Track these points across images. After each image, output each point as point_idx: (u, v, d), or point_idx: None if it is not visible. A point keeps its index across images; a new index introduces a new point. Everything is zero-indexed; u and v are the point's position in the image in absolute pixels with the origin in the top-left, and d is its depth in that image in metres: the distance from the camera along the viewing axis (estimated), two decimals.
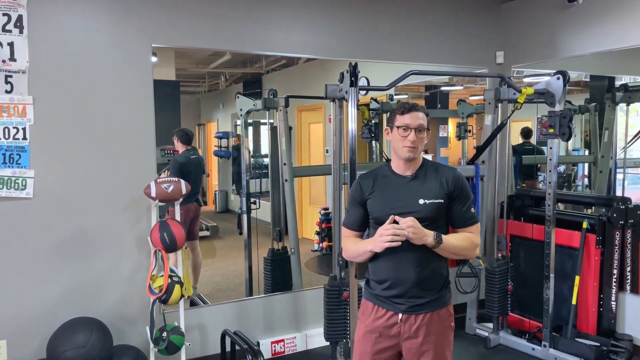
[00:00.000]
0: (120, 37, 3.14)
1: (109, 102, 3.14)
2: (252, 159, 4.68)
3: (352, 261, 3.15)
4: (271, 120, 4.24)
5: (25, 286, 2.99)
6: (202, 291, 4.09)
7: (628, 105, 4.37)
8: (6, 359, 2.95)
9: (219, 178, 5.49)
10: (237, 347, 3.30)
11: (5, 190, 2.90)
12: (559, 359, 3.48)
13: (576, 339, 3.54)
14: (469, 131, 4.95)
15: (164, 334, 2.94)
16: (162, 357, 3.01)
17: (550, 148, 3.51)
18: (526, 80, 4.62)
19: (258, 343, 3.62)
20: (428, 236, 1.93)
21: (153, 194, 2.96)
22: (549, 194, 3.55)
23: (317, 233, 5.16)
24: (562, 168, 5.09)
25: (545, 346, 3.57)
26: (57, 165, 3.03)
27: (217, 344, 3.44)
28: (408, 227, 1.90)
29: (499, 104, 3.84)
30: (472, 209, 2.10)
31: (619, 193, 4.47)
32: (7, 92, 2.87)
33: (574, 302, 3.61)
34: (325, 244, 5.04)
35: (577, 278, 3.62)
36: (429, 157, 1.87)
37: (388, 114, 2.15)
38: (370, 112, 4.36)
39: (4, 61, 2.84)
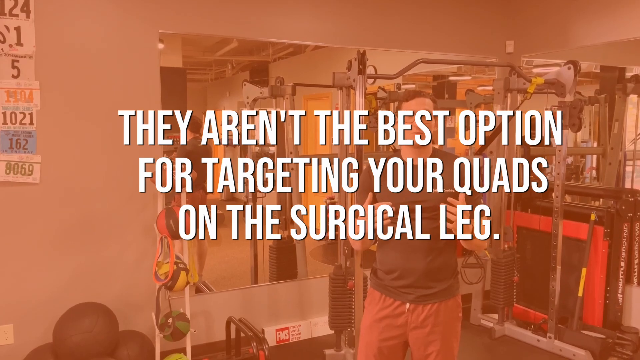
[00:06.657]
0: (127, 22, 3.13)
1: (115, 88, 3.13)
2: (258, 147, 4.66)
3: (357, 250, 3.16)
4: (278, 109, 4.21)
5: (32, 271, 3.01)
6: (207, 278, 4.09)
7: (639, 96, 4.31)
8: (13, 342, 2.97)
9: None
10: (242, 334, 3.32)
11: (12, 176, 2.90)
12: (564, 351, 3.47)
13: (582, 331, 3.53)
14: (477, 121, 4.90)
15: (170, 320, 2.94)
16: (167, 343, 3.02)
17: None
18: (535, 70, 4.56)
19: (263, 330, 3.64)
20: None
21: None
22: (557, 186, 3.52)
23: None
24: (570, 160, 5.04)
25: (550, 337, 3.56)
26: (63, 151, 3.03)
27: (222, 331, 3.45)
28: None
29: (508, 94, 3.80)
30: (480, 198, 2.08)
31: (627, 185, 4.43)
32: (14, 77, 2.86)
33: (580, 294, 3.59)
34: None
35: (584, 270, 3.60)
36: (435, 147, 1.87)
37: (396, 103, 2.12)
38: (378, 101, 4.33)
39: (10, 46, 2.83)
